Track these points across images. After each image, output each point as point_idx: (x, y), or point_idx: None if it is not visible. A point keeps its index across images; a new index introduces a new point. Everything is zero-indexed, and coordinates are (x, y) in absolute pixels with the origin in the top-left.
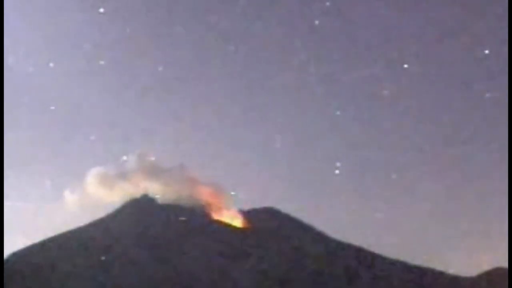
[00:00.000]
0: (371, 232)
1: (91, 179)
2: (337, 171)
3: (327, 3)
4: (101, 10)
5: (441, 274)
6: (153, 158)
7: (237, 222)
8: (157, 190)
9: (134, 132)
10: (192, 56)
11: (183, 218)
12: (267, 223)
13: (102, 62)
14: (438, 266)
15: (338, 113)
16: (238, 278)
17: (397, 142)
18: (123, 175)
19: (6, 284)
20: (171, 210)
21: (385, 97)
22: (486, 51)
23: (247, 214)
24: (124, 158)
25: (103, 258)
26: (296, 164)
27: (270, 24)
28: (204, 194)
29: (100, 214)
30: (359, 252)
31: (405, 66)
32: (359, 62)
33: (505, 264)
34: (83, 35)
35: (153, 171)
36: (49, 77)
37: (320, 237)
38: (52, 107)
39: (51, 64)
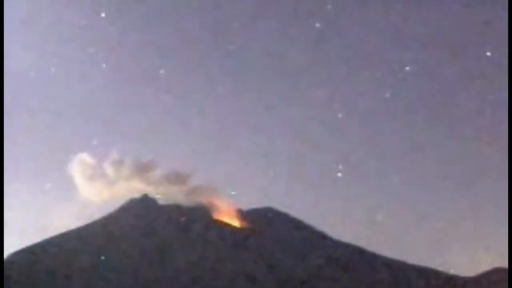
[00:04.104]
0: (372, 232)
1: (91, 180)
2: (339, 174)
3: (328, 6)
4: (103, 14)
5: (441, 274)
6: (153, 159)
7: (237, 222)
8: (157, 190)
9: (135, 133)
10: (193, 59)
11: (183, 218)
12: (267, 223)
13: (104, 66)
14: (438, 266)
15: (340, 115)
16: (238, 278)
17: (399, 144)
18: (123, 176)
19: (6, 284)
20: (171, 210)
21: (387, 100)
22: (488, 53)
23: (247, 214)
24: (125, 159)
25: (103, 258)
26: (296, 165)
27: (271, 26)
28: (204, 194)
29: (100, 214)
30: (359, 252)
31: (407, 68)
32: (361, 65)
33: (505, 264)
34: (84, 40)
35: (154, 172)
36: (51, 81)
37: (320, 237)
38: (53, 107)
39: (53, 69)
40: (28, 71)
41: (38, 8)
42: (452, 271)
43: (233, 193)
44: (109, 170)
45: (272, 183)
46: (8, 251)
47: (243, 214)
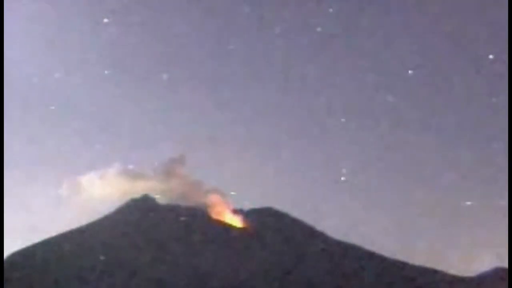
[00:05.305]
0: (372, 232)
1: (92, 180)
2: (343, 178)
3: (330, 10)
4: (105, 20)
5: (441, 274)
6: (153, 159)
7: (237, 222)
8: (157, 190)
9: (136, 136)
10: (195, 63)
11: (183, 218)
12: (267, 223)
13: (106, 72)
14: (438, 266)
15: (343, 119)
16: (238, 278)
17: (402, 147)
18: (123, 176)
19: (6, 284)
20: (171, 210)
21: (390, 103)
22: (491, 56)
23: (247, 214)
24: (127, 160)
25: (103, 258)
26: (298, 166)
27: (273, 31)
28: (204, 194)
29: (100, 214)
30: (359, 252)
31: (410, 72)
32: (363, 69)
33: (505, 264)
34: (87, 45)
35: (154, 172)
36: (54, 87)
37: (320, 237)
38: (52, 107)
39: (57, 75)
40: (31, 77)
41: (41, 13)
42: (452, 271)
43: (233, 193)
44: (110, 169)
45: (272, 183)
46: (8, 251)
47: (243, 214)
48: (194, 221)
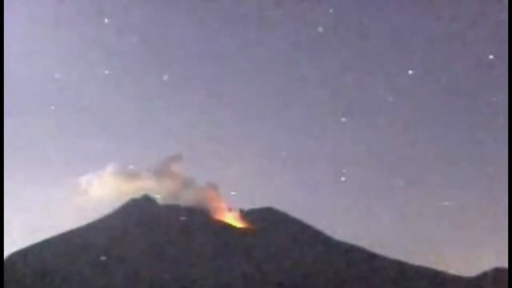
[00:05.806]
0: (372, 232)
1: (92, 180)
2: (343, 178)
3: (331, 10)
4: (106, 20)
5: (441, 274)
6: (153, 159)
7: (237, 222)
8: (157, 190)
9: (136, 134)
10: (195, 63)
11: (183, 218)
12: (267, 223)
13: (106, 72)
14: (438, 266)
15: (343, 119)
16: (238, 278)
17: (402, 147)
18: (123, 176)
19: (6, 284)
20: (171, 210)
21: (390, 103)
22: (491, 56)
23: (247, 214)
24: (127, 160)
25: (103, 258)
26: (298, 166)
27: (274, 31)
28: (204, 194)
29: (100, 214)
30: (359, 252)
31: (410, 72)
32: (364, 69)
33: (505, 264)
34: (87, 45)
35: (154, 172)
36: (54, 87)
37: (320, 237)
38: (52, 107)
39: (57, 75)
40: (33, 77)
41: (41, 13)
42: (452, 271)
43: (233, 193)
44: (109, 169)
45: (272, 183)
46: (8, 251)
47: (243, 214)
48: (194, 221)
